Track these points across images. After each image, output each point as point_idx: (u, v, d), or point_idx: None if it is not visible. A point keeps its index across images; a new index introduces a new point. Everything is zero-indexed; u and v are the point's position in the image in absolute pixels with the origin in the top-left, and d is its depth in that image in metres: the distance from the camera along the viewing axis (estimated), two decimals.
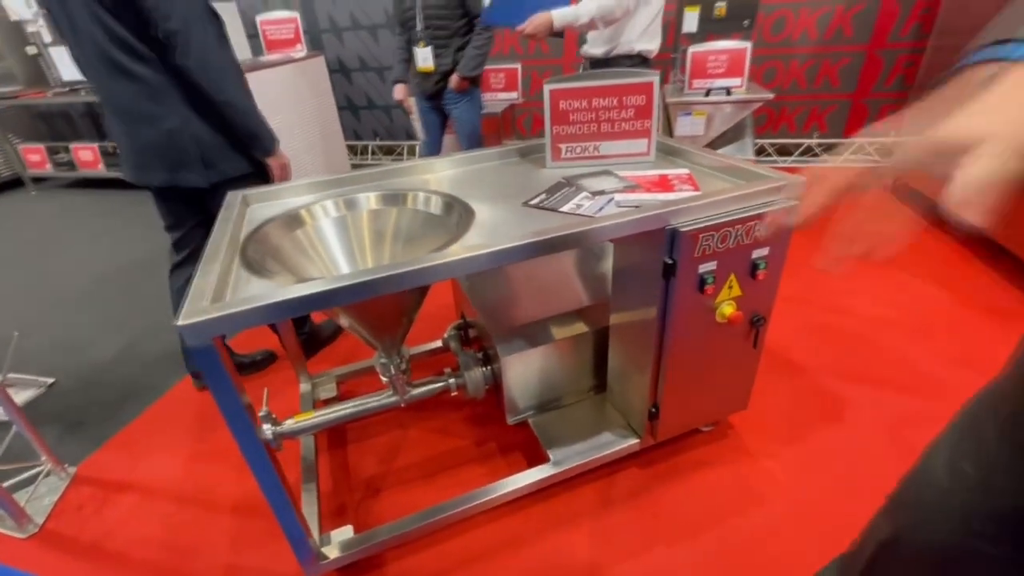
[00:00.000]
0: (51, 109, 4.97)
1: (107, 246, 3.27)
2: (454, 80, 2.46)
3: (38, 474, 1.53)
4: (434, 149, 2.81)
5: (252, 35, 3.85)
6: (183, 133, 1.40)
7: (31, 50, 4.10)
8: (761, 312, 1.21)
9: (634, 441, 1.37)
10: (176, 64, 1.31)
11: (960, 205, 0.39)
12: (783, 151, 3.70)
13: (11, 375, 1.95)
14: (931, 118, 0.43)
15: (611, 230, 1.00)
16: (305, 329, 1.95)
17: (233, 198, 1.29)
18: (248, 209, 1.29)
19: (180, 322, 0.76)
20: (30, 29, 3.90)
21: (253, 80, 2.45)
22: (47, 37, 3.84)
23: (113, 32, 1.28)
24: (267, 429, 1.23)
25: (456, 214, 1.16)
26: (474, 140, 2.66)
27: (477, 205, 1.17)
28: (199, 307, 0.80)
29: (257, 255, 1.05)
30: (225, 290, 0.90)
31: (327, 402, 1.71)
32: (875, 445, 1.45)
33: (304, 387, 1.71)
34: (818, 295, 2.12)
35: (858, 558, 0.80)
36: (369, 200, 1.26)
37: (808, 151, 3.63)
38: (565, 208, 1.15)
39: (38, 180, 4.59)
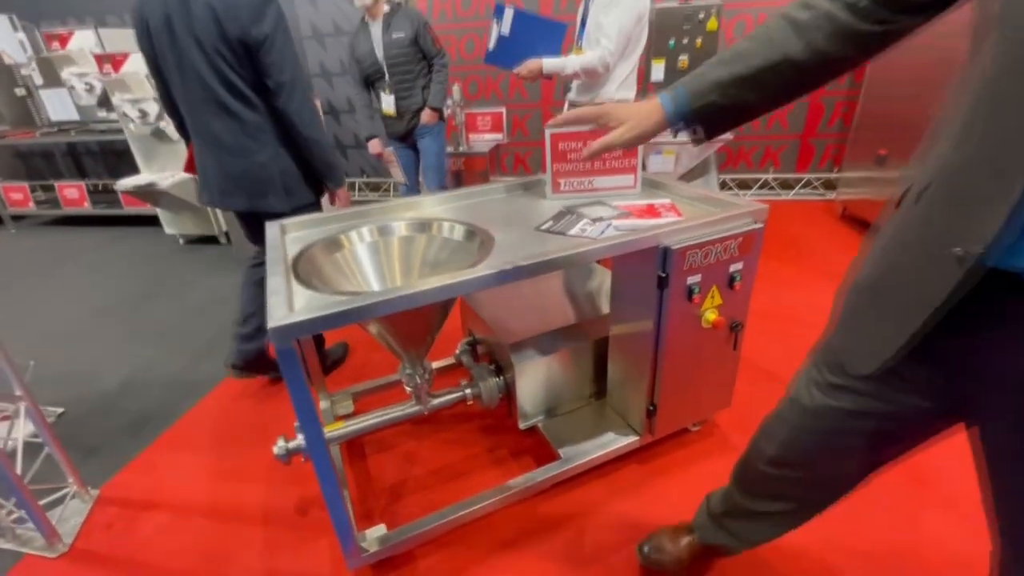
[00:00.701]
0: (33, 149, 4.98)
1: (96, 281, 3.29)
2: (426, 114, 2.72)
3: (64, 496, 1.57)
4: (413, 189, 3.03)
5: None
6: (272, 165, 1.61)
7: (20, 92, 4.16)
8: (738, 318, 1.42)
9: (634, 438, 1.54)
10: (279, 108, 1.54)
11: (593, 149, 0.89)
12: (743, 185, 4.06)
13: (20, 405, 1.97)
14: (615, 107, 0.89)
15: (615, 248, 1.20)
16: (320, 352, 2.06)
17: (272, 227, 1.43)
18: (285, 237, 1.44)
19: (270, 326, 0.90)
20: (23, 72, 3.98)
21: None
22: (39, 80, 3.92)
23: (227, 80, 1.49)
24: (303, 438, 1.35)
25: (478, 240, 1.33)
26: (440, 170, 2.89)
27: (494, 231, 1.35)
28: (282, 314, 0.94)
29: (305, 273, 1.20)
30: (292, 301, 1.04)
31: (345, 417, 1.81)
32: None
33: (324, 404, 1.81)
34: (785, 311, 2.36)
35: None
36: (400, 228, 1.43)
37: (765, 185, 4.00)
38: (572, 232, 1.34)
39: (17, 218, 4.55)
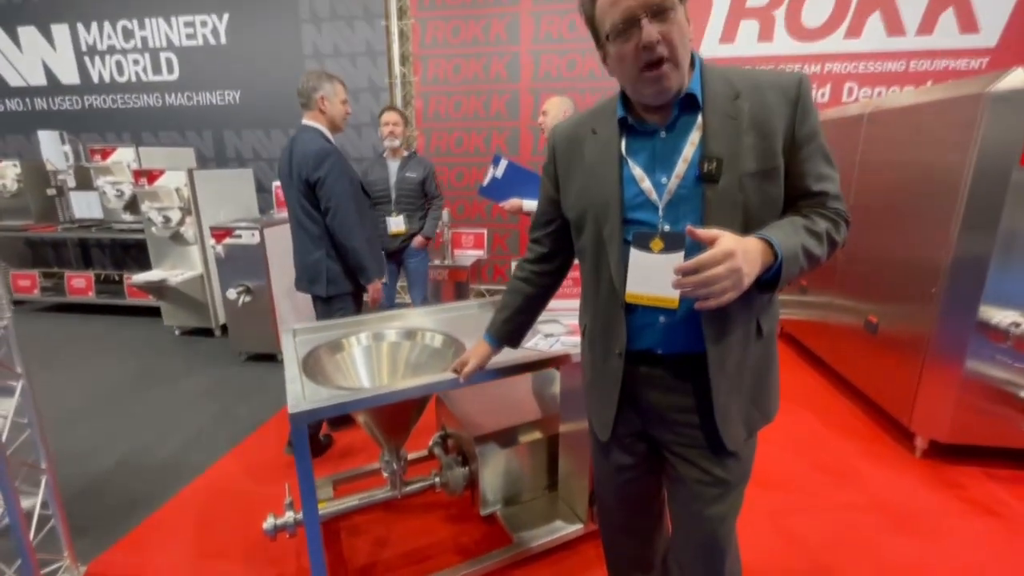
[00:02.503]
0: (45, 240, 5.35)
1: (94, 367, 3.47)
2: (418, 240, 3.25)
3: (57, 569, 1.68)
4: (390, 295, 3.45)
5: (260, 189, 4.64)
6: (321, 263, 2.21)
7: (50, 192, 4.63)
8: None
9: (579, 526, 1.77)
10: (328, 223, 2.15)
11: (462, 375, 1.35)
12: None
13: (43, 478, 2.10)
14: (466, 353, 1.39)
15: (557, 360, 1.55)
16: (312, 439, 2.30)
17: (287, 334, 1.76)
18: (296, 340, 1.76)
19: (291, 412, 1.20)
20: (60, 177, 4.48)
21: (269, 234, 3.15)
22: (72, 183, 4.41)
23: (303, 205, 2.15)
24: (290, 516, 1.57)
25: (453, 348, 1.67)
26: (424, 286, 3.42)
27: (467, 341, 1.69)
28: (298, 403, 1.24)
29: (311, 369, 1.51)
30: (305, 392, 1.34)
31: (326, 501, 1.99)
32: (761, 530, 1.90)
33: None
34: None
35: None
36: (390, 335, 1.77)
37: None
38: (528, 345, 1.69)
39: (17, 303, 4.77)
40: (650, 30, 0.84)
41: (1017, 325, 2.02)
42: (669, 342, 1.01)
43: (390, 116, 3.11)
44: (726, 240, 0.80)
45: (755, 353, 1.02)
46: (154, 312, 4.31)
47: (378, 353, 1.75)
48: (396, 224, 3.20)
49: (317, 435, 2.36)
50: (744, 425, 1.03)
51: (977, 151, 2.06)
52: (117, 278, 5.37)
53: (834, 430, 2.60)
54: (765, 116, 0.90)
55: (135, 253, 5.38)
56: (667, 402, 1.05)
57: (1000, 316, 2.08)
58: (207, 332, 4.07)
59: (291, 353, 1.57)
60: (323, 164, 2.09)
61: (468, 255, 3.98)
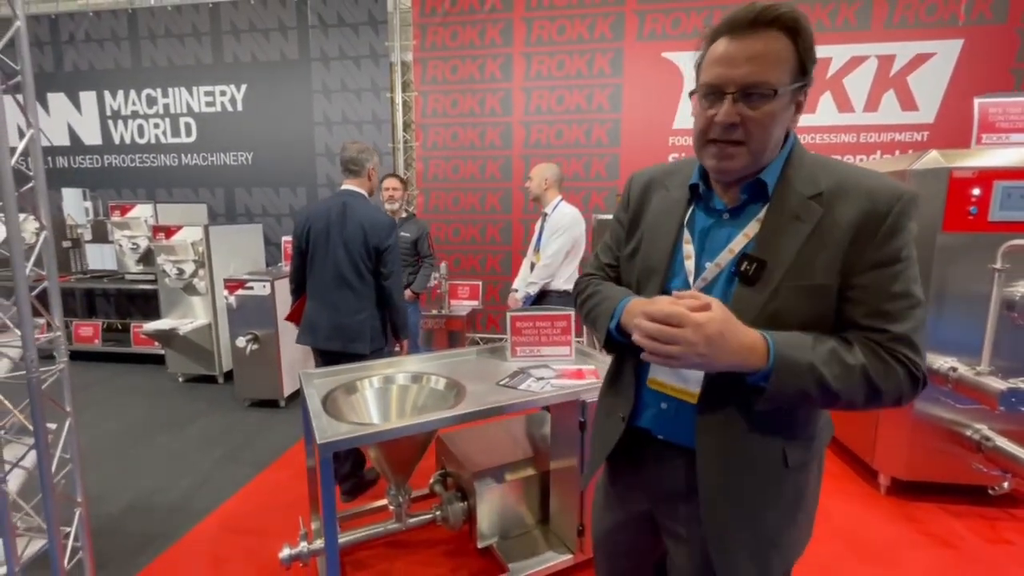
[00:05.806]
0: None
1: (100, 413, 3.59)
2: (408, 294, 3.50)
3: None
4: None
5: (267, 243, 4.91)
6: (367, 322, 2.35)
7: (66, 244, 4.86)
8: None
9: (568, 556, 1.92)
10: (384, 284, 2.34)
11: None
12: None
13: (24, 526, 2.21)
14: None
15: (548, 400, 1.77)
16: (359, 473, 2.53)
17: (304, 375, 1.97)
18: (314, 381, 1.96)
19: (319, 442, 1.39)
20: (79, 230, 4.73)
21: (279, 285, 3.38)
22: (88, 236, 4.66)
23: (357, 268, 2.31)
24: (304, 546, 1.73)
25: (455, 390, 1.88)
26: (415, 337, 3.66)
27: (467, 383, 1.90)
28: (325, 435, 1.44)
29: (328, 408, 1.71)
30: (328, 427, 1.54)
31: None
32: None
33: (315, 525, 2.13)
34: None
35: None
36: (399, 378, 1.98)
37: None
38: (522, 387, 1.91)
39: None
40: (730, 110, 0.77)
41: (954, 370, 2.28)
42: (674, 431, 0.93)
43: (390, 182, 3.45)
44: (709, 313, 0.73)
45: (779, 486, 0.89)
46: (158, 359, 4.45)
47: (387, 395, 1.95)
48: None
49: (363, 468, 2.56)
50: (753, 560, 0.89)
51: None
52: (121, 327, 5.54)
53: None
54: (835, 224, 0.78)
55: (140, 303, 5.57)
56: (674, 489, 0.96)
57: (940, 362, 2.35)
58: (210, 379, 4.20)
59: (312, 390, 1.77)
60: (392, 235, 2.36)
61: (463, 305, 4.23)
